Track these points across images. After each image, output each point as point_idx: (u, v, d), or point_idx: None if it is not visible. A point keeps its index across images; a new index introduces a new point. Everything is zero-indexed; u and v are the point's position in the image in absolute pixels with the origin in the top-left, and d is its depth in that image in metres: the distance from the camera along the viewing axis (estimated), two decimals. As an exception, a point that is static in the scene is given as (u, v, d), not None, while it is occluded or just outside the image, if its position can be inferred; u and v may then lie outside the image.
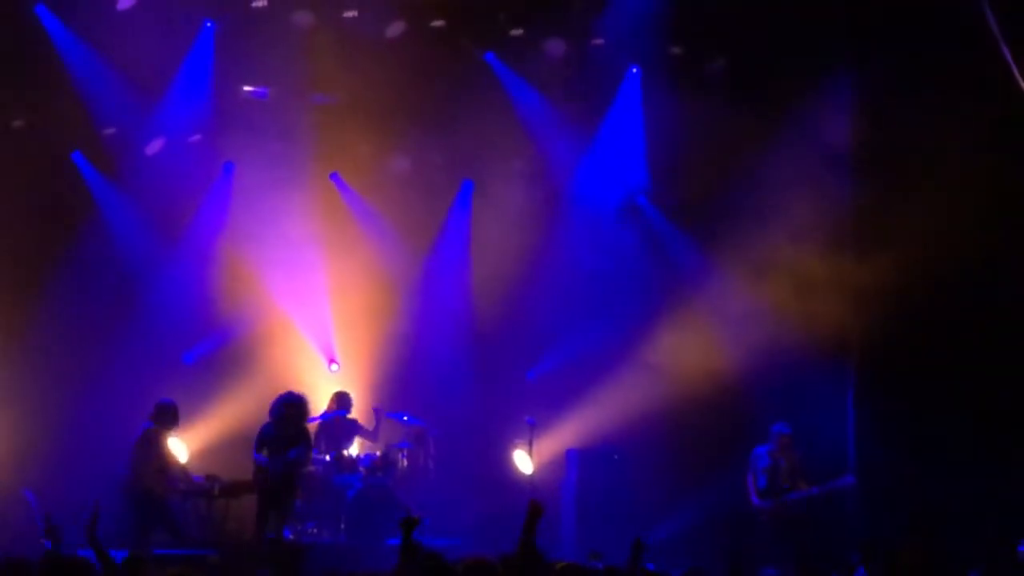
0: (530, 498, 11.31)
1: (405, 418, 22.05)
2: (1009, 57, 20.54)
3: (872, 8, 21.78)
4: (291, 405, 19.68)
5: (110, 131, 22.46)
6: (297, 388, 21.88)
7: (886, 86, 21.96)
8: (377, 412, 21.97)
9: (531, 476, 21.39)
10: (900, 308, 21.04)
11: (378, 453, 21.46)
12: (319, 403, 21.77)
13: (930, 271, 20.52)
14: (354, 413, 21.99)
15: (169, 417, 19.72)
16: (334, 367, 22.87)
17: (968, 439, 20.65)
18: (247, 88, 22.88)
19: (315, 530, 21.03)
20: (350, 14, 22.42)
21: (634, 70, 23.38)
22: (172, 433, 19.86)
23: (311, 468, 21.12)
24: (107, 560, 12.32)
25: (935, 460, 20.65)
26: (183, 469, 20.09)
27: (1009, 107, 20.53)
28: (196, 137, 22.90)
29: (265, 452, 19.38)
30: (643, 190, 23.68)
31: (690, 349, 22.21)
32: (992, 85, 20.64)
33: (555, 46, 23.16)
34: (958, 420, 20.74)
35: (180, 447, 20.28)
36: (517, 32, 22.91)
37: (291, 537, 20.66)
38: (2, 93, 21.61)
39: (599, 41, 23.16)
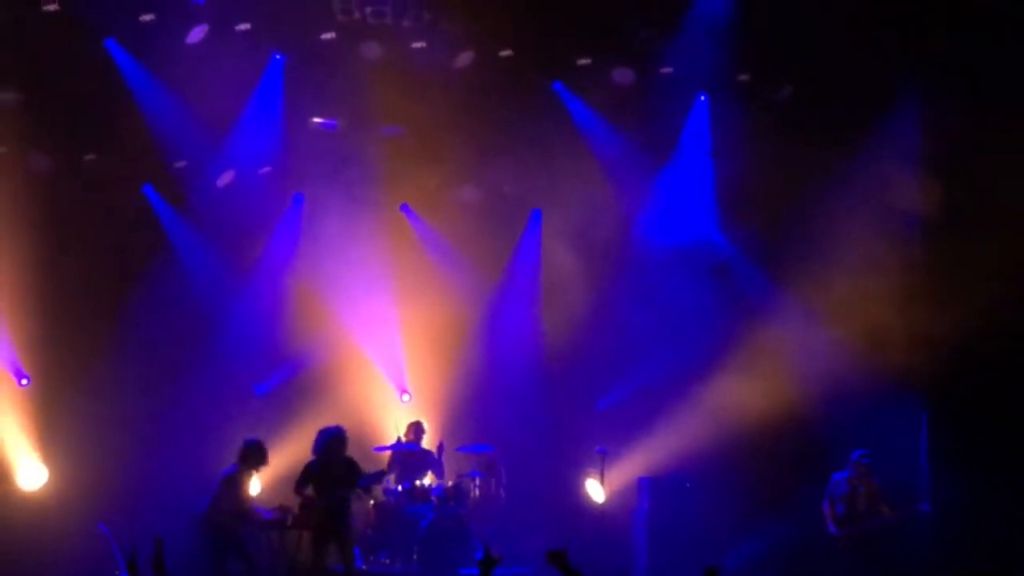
0: (546, 553, 11.29)
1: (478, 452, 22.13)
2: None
3: (939, 39, 21.72)
4: (338, 439, 19.81)
5: (181, 164, 22.52)
6: (369, 419, 22.12)
7: (954, 109, 21.90)
8: (440, 448, 21.98)
9: (603, 504, 21.38)
10: (970, 344, 21.01)
11: (450, 483, 21.48)
12: (390, 433, 21.85)
13: (998, 314, 20.49)
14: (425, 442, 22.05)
15: (254, 458, 19.81)
16: (405, 397, 22.91)
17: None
18: (316, 120, 22.93)
19: (387, 560, 21.10)
20: (418, 45, 22.38)
21: (702, 98, 23.36)
22: (257, 472, 19.98)
23: (384, 499, 21.22)
24: None
25: (1006, 494, 20.64)
26: (253, 507, 20.19)
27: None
28: (266, 169, 22.99)
29: (310, 489, 19.52)
30: (713, 220, 23.65)
31: (761, 379, 22.17)
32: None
33: (623, 75, 23.11)
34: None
35: (255, 482, 20.36)
36: (585, 61, 22.87)
37: (363, 567, 20.76)
38: (74, 127, 21.66)
39: (667, 69, 23.10)
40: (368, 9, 22.15)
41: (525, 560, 20.46)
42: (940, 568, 18.52)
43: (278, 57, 22.42)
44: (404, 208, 23.20)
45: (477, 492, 21.79)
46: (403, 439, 21.90)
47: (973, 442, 21.45)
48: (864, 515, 20.71)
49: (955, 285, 21.39)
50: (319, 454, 19.91)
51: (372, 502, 21.25)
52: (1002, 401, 21.11)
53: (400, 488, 21.33)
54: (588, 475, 21.73)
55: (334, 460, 19.86)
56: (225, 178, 22.76)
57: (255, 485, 20.33)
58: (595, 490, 21.58)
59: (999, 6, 20.97)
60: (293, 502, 20.44)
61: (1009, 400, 21.07)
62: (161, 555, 13.90)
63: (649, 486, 22.23)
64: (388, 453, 21.76)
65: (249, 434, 20.41)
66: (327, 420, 21.86)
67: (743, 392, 22.23)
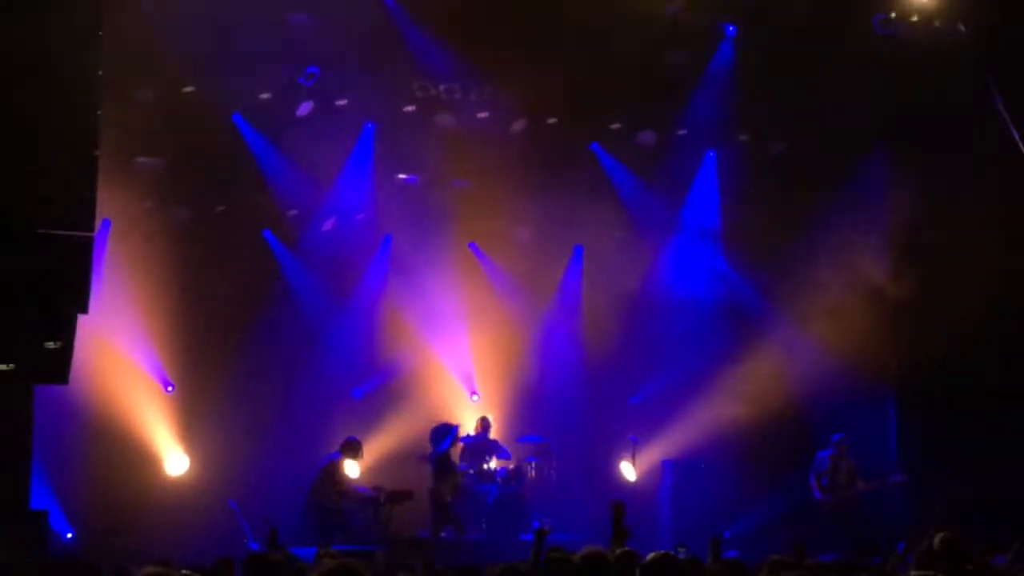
0: (611, 500, 11.49)
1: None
2: (1016, 136, 20.51)
3: (901, 102, 21.80)
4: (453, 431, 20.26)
5: (293, 212, 22.69)
6: (446, 415, 22.23)
7: (915, 159, 21.97)
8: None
9: (634, 483, 21.46)
10: (930, 349, 21.08)
11: (512, 466, 21.60)
12: (465, 426, 22.00)
13: (954, 318, 20.54)
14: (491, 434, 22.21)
15: (352, 451, 20.22)
16: (475, 397, 22.98)
17: (990, 445, 20.64)
18: (401, 176, 23.01)
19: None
20: (482, 115, 22.52)
21: (710, 154, 23.48)
22: (354, 461, 20.27)
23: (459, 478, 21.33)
24: (292, 557, 12.57)
25: (964, 463, 20.64)
26: (352, 486, 20.36)
27: (1018, 177, 20.51)
28: (361, 216, 23.06)
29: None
30: (719, 249, 23.73)
31: (761, 378, 22.25)
32: (1000, 159, 20.63)
33: (646, 136, 23.19)
34: (978, 437, 20.74)
35: (354, 467, 20.55)
36: (616, 126, 23.00)
37: (444, 535, 20.90)
38: (209, 184, 21.92)
39: (682, 131, 23.24)
40: (442, 87, 22.28)
41: (572, 529, 20.60)
42: (906, 527, 18.53)
43: (369, 126, 22.55)
44: (472, 246, 23.28)
45: (533, 474, 21.91)
46: (473, 432, 22.05)
47: (933, 429, 21.51)
48: (843, 487, 20.85)
49: (918, 302, 21.48)
50: (442, 443, 20.29)
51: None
52: (957, 396, 21.13)
53: (471, 471, 21.50)
54: (622, 459, 21.81)
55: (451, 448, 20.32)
56: (328, 224, 22.88)
57: (355, 469, 20.55)
58: (628, 471, 21.66)
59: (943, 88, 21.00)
60: (386, 483, 20.69)
61: (963, 395, 21.07)
62: (275, 535, 14.10)
63: (672, 468, 22.38)
64: (461, 444, 21.86)
65: (350, 431, 20.72)
66: (412, 416, 22.23)
67: (747, 390, 22.36)
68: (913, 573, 10.75)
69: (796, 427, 22.02)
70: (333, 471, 20.17)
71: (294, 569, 11.01)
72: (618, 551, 9.82)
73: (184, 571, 10.01)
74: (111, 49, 15.37)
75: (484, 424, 22.12)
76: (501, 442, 22.25)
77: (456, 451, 21.33)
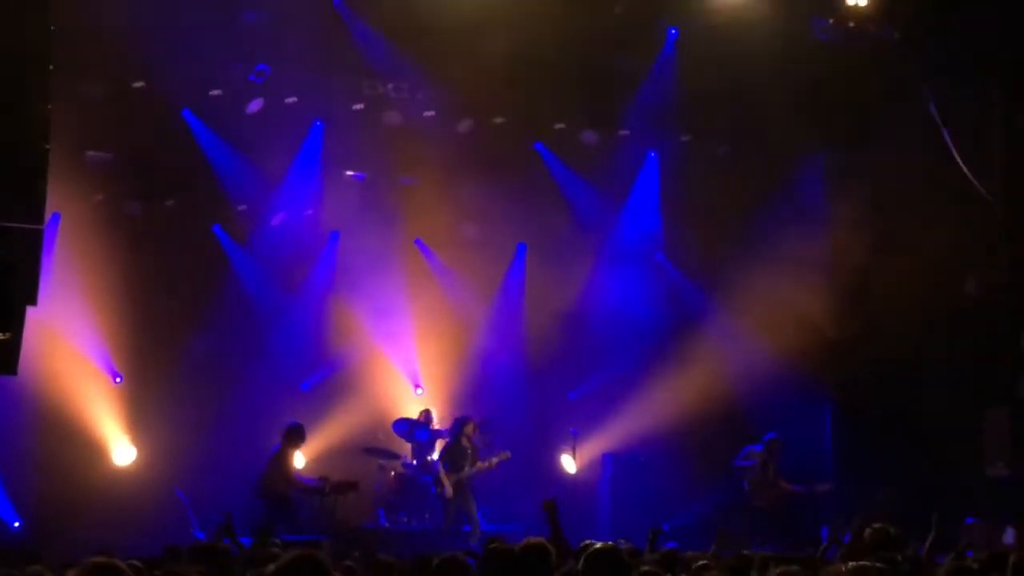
0: (543, 500, 11.43)
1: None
2: (948, 139, 20.69)
3: (840, 106, 21.93)
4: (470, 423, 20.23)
5: (242, 208, 22.61)
6: (390, 408, 22.20)
7: (853, 162, 22.13)
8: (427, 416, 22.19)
9: (575, 475, 21.49)
10: (865, 348, 21.27)
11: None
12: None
13: (887, 317, 20.74)
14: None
15: (294, 438, 20.11)
16: (419, 391, 22.94)
17: (916, 443, 20.85)
18: (349, 172, 23.00)
19: (406, 519, 21.18)
20: (429, 114, 22.58)
21: (652, 154, 23.53)
22: (298, 449, 20.16)
23: (403, 471, 21.30)
24: (241, 547, 12.52)
25: (892, 462, 20.83)
26: (296, 478, 20.27)
27: (951, 181, 20.69)
28: (309, 211, 22.99)
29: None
30: (661, 249, 23.80)
31: (701, 374, 22.32)
32: (934, 162, 20.81)
33: (589, 136, 23.30)
34: (909, 433, 20.93)
35: (299, 457, 20.48)
36: (560, 126, 23.06)
37: (386, 525, 20.88)
38: (159, 179, 21.81)
39: (625, 132, 23.31)
40: (389, 86, 22.32)
41: (512, 518, 20.65)
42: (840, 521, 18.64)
43: (318, 123, 22.50)
44: (418, 243, 23.24)
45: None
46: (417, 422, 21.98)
47: (867, 427, 21.65)
48: (771, 485, 20.96)
49: (854, 303, 21.59)
50: (454, 436, 20.37)
51: (393, 473, 21.38)
52: (889, 395, 21.31)
53: (415, 462, 21.47)
54: (563, 451, 21.84)
55: (468, 442, 20.20)
56: (277, 219, 22.81)
57: (299, 459, 20.46)
58: (568, 463, 21.72)
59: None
60: (331, 473, 20.62)
61: (895, 394, 21.25)
62: (231, 525, 14.03)
63: (611, 460, 22.43)
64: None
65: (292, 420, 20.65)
66: (358, 409, 22.18)
67: (685, 386, 22.38)
68: (848, 564, 10.80)
69: (734, 423, 22.08)
70: (283, 461, 20.06)
71: (244, 558, 10.96)
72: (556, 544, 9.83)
73: (131, 561, 9.92)
74: (62, 43, 15.24)
75: (427, 416, 22.05)
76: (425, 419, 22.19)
77: (462, 445, 21.11)
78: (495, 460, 20.80)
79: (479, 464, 20.73)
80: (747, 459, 21.21)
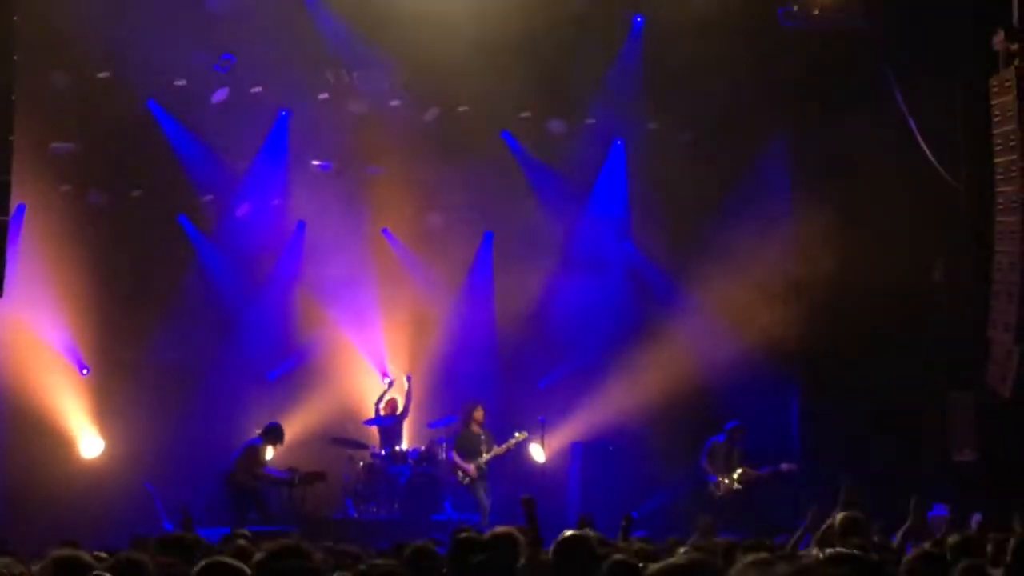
0: (521, 497, 11.41)
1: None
2: (914, 127, 20.73)
3: (806, 94, 21.96)
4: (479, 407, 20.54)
5: (208, 198, 22.58)
6: (358, 398, 22.19)
7: (818, 149, 22.14)
8: (408, 379, 22.20)
9: (543, 464, 21.49)
10: (831, 333, 21.32)
11: (423, 448, 21.57)
12: (373, 410, 21.98)
13: (854, 303, 20.81)
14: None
15: (274, 436, 20.17)
16: (386, 380, 22.88)
17: (882, 428, 20.94)
18: (315, 162, 22.87)
19: (375, 509, 21.18)
20: (395, 103, 22.54)
21: (618, 142, 23.52)
22: (274, 447, 20.19)
23: (371, 461, 21.29)
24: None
25: (859, 445, 20.89)
26: (267, 470, 20.23)
27: (917, 168, 20.73)
28: (275, 201, 22.95)
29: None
30: (627, 236, 23.79)
31: (669, 362, 22.31)
32: (899, 150, 20.85)
33: (556, 125, 23.27)
34: (875, 418, 21.01)
35: (268, 449, 20.43)
36: (526, 115, 23.01)
37: (355, 515, 20.87)
38: (124, 169, 21.79)
39: (591, 120, 23.30)
40: (355, 74, 22.27)
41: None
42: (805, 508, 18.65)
43: (284, 113, 22.44)
44: (385, 232, 23.15)
45: (444, 455, 21.84)
46: (383, 413, 21.95)
47: (834, 414, 21.69)
48: (737, 471, 21.04)
49: (819, 287, 21.60)
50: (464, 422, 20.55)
51: (362, 463, 21.35)
52: (856, 377, 21.35)
53: (383, 452, 21.44)
54: (532, 440, 21.81)
55: (472, 426, 20.41)
56: (243, 209, 22.75)
57: (268, 452, 20.44)
58: (538, 453, 21.67)
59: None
60: (300, 464, 20.60)
61: (861, 376, 21.30)
62: (189, 521, 14.01)
63: (581, 449, 22.38)
64: (373, 428, 21.85)
65: (263, 413, 20.60)
66: (325, 399, 22.17)
67: (653, 373, 22.32)
68: (817, 551, 10.81)
69: (702, 411, 22.05)
70: (254, 455, 20.03)
71: (204, 549, 10.91)
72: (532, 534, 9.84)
73: (97, 552, 9.87)
74: (26, 34, 15.18)
75: (394, 407, 22.01)
76: (411, 424, 22.21)
77: (473, 431, 21.10)
78: (512, 442, 20.86)
79: (495, 448, 20.70)
80: (712, 452, 21.29)
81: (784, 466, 21.28)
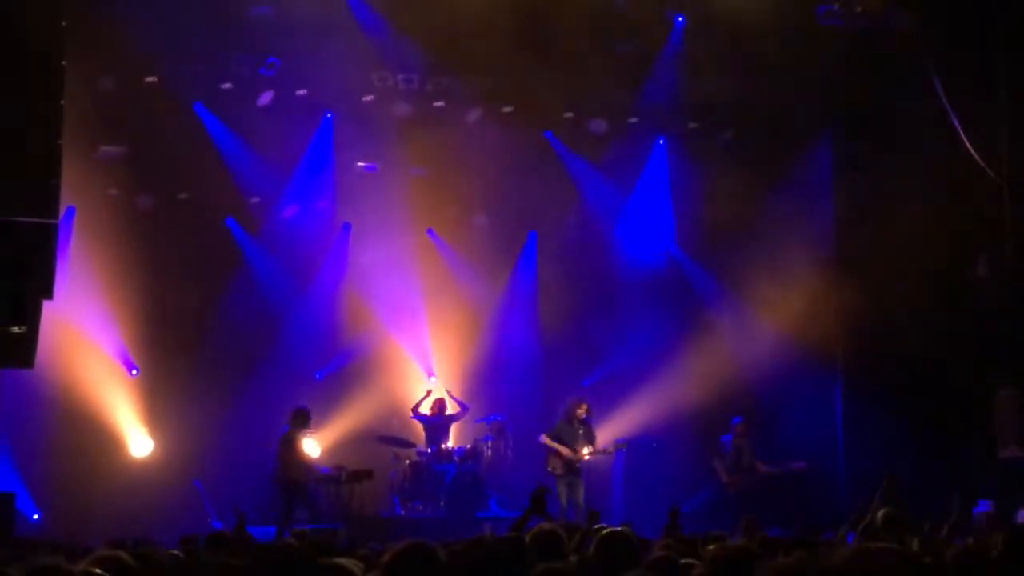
0: (535, 488, 11.40)
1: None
2: (956, 123, 20.58)
3: (846, 92, 21.87)
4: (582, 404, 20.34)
5: (255, 200, 22.67)
6: (404, 396, 22.21)
7: (859, 146, 22.05)
8: (449, 394, 22.25)
9: (588, 460, 21.43)
10: (875, 329, 21.20)
11: (468, 446, 21.59)
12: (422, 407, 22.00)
13: (897, 300, 20.67)
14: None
15: (300, 419, 19.97)
16: (432, 379, 22.92)
17: (929, 428, 20.77)
18: (360, 163, 22.94)
19: (421, 507, 21.18)
20: (438, 104, 22.54)
21: (661, 141, 23.48)
22: (307, 433, 20.05)
23: (417, 459, 21.30)
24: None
25: (905, 443, 20.73)
26: (311, 464, 20.16)
27: (959, 164, 20.58)
28: (321, 203, 23.01)
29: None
30: (671, 235, 23.77)
31: (712, 359, 22.27)
32: (941, 145, 20.71)
33: (598, 124, 23.24)
34: (920, 414, 20.84)
35: (315, 446, 20.38)
36: (569, 115, 23.01)
37: (402, 513, 20.88)
38: (172, 172, 21.86)
39: (633, 120, 23.26)
40: (400, 77, 22.27)
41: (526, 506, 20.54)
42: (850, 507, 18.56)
43: (329, 115, 22.52)
44: (430, 232, 23.20)
45: (490, 453, 21.88)
46: (430, 412, 21.98)
47: (878, 408, 21.55)
48: (748, 469, 20.94)
49: (862, 284, 21.50)
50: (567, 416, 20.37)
51: (408, 461, 21.37)
52: (902, 377, 21.21)
53: (429, 450, 21.46)
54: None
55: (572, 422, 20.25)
56: (289, 211, 22.84)
57: (314, 447, 20.35)
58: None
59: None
60: (347, 462, 20.63)
61: (908, 376, 21.16)
62: (244, 520, 14.05)
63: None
64: (420, 424, 21.88)
65: (318, 416, 20.61)
66: (372, 397, 22.21)
67: (697, 371, 22.35)
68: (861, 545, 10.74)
69: (745, 409, 21.95)
70: (290, 444, 19.90)
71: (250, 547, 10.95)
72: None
73: (171, 551, 9.93)
74: (74, 38, 15.24)
75: (441, 406, 22.04)
76: (458, 423, 22.22)
77: (573, 425, 20.78)
78: (612, 449, 20.83)
79: (591, 449, 20.54)
80: (721, 452, 21.21)
81: (795, 465, 21.13)
